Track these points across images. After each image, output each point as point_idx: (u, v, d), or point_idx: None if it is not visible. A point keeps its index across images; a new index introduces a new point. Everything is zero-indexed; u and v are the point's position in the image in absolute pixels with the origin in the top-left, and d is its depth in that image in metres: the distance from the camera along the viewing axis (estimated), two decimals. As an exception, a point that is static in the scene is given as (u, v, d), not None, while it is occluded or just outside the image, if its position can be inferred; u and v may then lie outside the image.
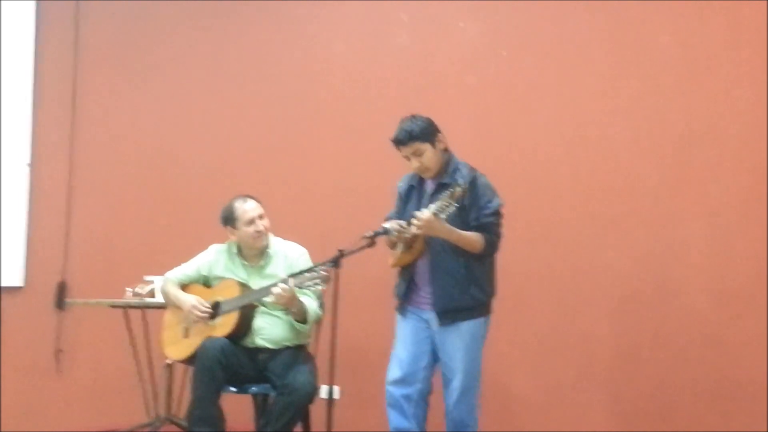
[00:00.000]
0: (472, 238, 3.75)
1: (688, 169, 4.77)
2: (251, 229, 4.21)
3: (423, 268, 3.86)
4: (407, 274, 3.91)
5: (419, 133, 3.80)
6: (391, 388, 3.89)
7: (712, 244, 4.71)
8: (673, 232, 4.76)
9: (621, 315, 4.78)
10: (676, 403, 4.70)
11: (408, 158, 3.86)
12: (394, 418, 3.87)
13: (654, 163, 4.82)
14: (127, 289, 4.78)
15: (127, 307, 4.71)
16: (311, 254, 4.30)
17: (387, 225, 3.83)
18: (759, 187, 4.66)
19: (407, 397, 3.85)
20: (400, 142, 3.83)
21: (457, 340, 3.79)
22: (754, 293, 4.64)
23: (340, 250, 3.74)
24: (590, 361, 4.82)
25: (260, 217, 4.23)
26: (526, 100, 5.01)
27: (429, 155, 3.83)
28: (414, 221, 3.69)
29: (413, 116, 3.87)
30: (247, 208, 4.23)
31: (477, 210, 3.77)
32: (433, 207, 3.66)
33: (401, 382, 3.87)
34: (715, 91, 4.77)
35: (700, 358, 4.69)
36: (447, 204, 3.61)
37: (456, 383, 3.80)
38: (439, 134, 3.87)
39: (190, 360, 4.16)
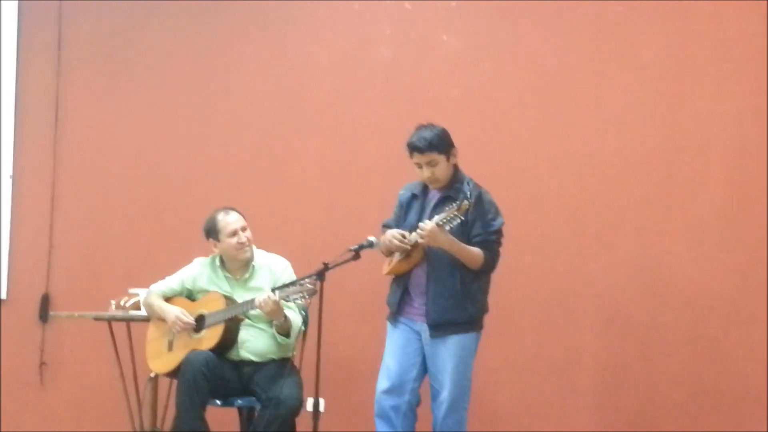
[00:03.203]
0: (473, 253, 3.76)
1: (673, 182, 4.80)
2: (234, 240, 4.21)
3: (419, 279, 3.85)
4: (402, 283, 3.90)
5: (438, 143, 3.79)
6: (380, 399, 3.88)
7: (697, 257, 4.74)
8: (659, 246, 4.78)
9: (607, 329, 4.80)
10: (663, 417, 4.71)
11: (420, 166, 3.83)
12: (382, 429, 3.87)
13: (639, 177, 4.84)
14: (111, 301, 4.76)
15: (111, 319, 4.69)
16: (295, 267, 4.31)
17: (372, 239, 3.84)
18: (744, 200, 4.70)
19: (396, 408, 3.85)
20: (417, 149, 3.80)
21: (447, 353, 3.79)
22: (740, 306, 4.68)
23: (325, 263, 3.75)
24: (577, 375, 4.84)
25: (243, 228, 4.24)
26: (509, 113, 5.03)
27: (442, 167, 3.82)
28: (418, 230, 3.69)
29: (431, 125, 3.85)
30: (230, 220, 4.23)
31: (481, 226, 3.79)
32: (437, 218, 3.67)
33: (390, 392, 3.86)
34: (699, 104, 4.80)
35: (686, 371, 4.71)
36: (453, 216, 3.62)
37: (445, 395, 3.79)
38: (454, 148, 3.87)
39: (174, 373, 4.16)
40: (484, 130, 5.04)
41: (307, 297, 3.90)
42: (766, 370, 4.58)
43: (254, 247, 4.33)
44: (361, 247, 3.80)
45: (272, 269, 4.28)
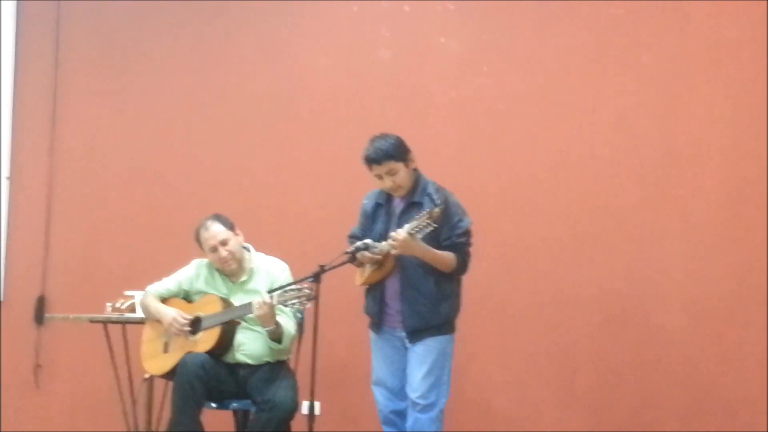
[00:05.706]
0: (446, 257, 3.77)
1: (669, 188, 4.78)
2: (214, 256, 4.20)
3: (393, 286, 3.85)
4: (377, 293, 3.90)
5: (394, 152, 3.79)
6: (382, 408, 3.92)
7: (692, 262, 4.72)
8: (655, 251, 4.77)
9: (602, 333, 4.78)
10: (657, 421, 4.69)
11: (380, 177, 3.84)
12: None
13: (635, 182, 4.83)
14: (107, 304, 4.75)
15: (107, 322, 4.68)
16: (293, 270, 4.29)
17: (368, 240, 3.82)
18: (739, 206, 4.68)
19: (399, 413, 3.88)
20: (374, 161, 3.81)
21: (423, 356, 3.79)
22: (734, 311, 4.66)
23: (321, 266, 3.74)
24: (572, 379, 4.82)
25: (223, 243, 4.19)
26: (507, 116, 5.02)
27: (402, 174, 3.82)
28: (390, 241, 3.69)
29: (384, 135, 3.85)
30: (208, 237, 4.20)
31: (449, 229, 3.78)
32: (408, 227, 3.65)
33: (390, 400, 3.90)
34: (696, 110, 4.78)
35: (680, 376, 4.70)
36: (425, 224, 3.60)
37: (417, 396, 3.77)
38: (410, 153, 3.87)
39: (170, 375, 4.14)
40: (481, 132, 5.04)
41: (305, 302, 3.88)
42: (765, 373, 4.56)
43: (253, 250, 4.32)
44: (357, 249, 3.79)
45: (270, 272, 4.27)
